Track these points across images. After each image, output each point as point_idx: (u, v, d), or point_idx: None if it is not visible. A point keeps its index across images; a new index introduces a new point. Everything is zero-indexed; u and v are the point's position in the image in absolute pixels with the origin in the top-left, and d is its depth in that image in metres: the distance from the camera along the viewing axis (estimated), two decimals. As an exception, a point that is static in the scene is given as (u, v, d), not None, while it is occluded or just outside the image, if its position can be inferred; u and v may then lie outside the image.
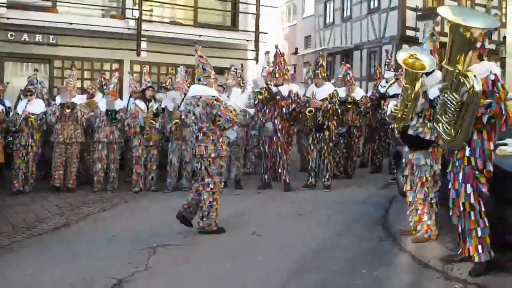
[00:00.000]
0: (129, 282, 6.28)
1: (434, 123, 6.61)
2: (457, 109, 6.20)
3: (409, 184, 7.98)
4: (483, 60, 6.49)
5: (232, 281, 6.46)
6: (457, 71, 6.12)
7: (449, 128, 6.30)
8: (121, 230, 8.73)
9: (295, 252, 7.47)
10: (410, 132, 7.71)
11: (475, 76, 6.03)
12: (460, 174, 6.34)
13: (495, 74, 6.24)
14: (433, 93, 6.83)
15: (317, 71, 12.18)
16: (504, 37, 21.15)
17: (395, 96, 10.46)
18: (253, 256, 7.39)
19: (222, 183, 8.68)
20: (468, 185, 6.27)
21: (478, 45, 6.38)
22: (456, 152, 6.43)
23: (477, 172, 6.25)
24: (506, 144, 7.41)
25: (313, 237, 8.27)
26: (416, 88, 7.40)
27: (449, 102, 6.26)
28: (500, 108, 6.05)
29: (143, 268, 6.81)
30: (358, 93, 13.66)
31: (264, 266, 6.93)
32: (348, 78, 13.61)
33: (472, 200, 6.24)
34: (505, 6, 23.58)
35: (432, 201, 7.72)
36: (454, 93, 6.21)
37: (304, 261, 7.14)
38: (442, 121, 6.38)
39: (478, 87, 5.98)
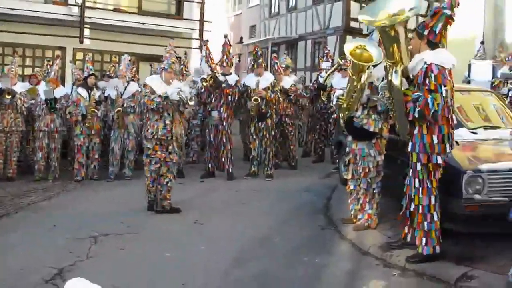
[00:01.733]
0: (70, 271, 6.22)
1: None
2: (391, 104, 6.32)
3: (350, 172, 8.08)
4: (436, 47, 6.22)
5: (173, 269, 6.46)
6: (388, 65, 6.19)
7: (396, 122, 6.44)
8: (63, 220, 8.61)
9: (237, 241, 7.52)
10: (355, 123, 7.79)
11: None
12: (410, 168, 6.44)
13: (429, 65, 6.06)
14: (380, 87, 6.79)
15: (259, 61, 12.20)
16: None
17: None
18: (195, 244, 7.40)
19: (149, 164, 8.98)
20: (416, 180, 6.35)
21: (426, 31, 6.18)
22: None
23: (421, 167, 6.31)
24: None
25: (256, 225, 8.34)
26: (362, 80, 7.49)
27: (386, 98, 6.37)
28: (426, 102, 5.97)
29: (84, 257, 6.78)
30: (287, 82, 13.66)
31: (206, 255, 6.97)
32: (276, 68, 13.66)
33: (421, 194, 6.33)
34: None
35: (374, 191, 7.85)
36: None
37: (246, 250, 7.20)
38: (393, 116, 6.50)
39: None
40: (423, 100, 5.97)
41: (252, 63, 12.61)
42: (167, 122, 8.83)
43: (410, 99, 6.08)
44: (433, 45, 6.20)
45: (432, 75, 6.02)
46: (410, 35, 6.49)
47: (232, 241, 7.51)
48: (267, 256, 6.98)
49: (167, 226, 8.32)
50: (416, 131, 6.26)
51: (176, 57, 9.67)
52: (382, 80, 6.96)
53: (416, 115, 6.06)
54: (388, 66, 6.20)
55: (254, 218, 8.81)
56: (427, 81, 6.03)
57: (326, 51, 15.38)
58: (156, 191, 9.08)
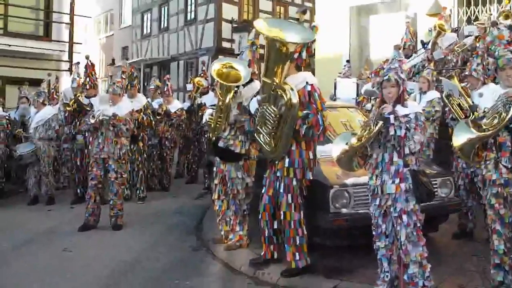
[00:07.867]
0: None
1: (255, 134, 6.70)
2: (276, 121, 6.36)
3: (217, 193, 8.03)
4: (301, 70, 6.63)
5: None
6: (274, 84, 6.27)
7: (269, 139, 6.45)
8: None
9: (107, 266, 7.35)
10: (221, 144, 7.73)
11: (292, 89, 6.22)
12: (282, 185, 6.52)
13: (311, 85, 6.42)
14: (253, 105, 6.79)
15: (134, 82, 12.05)
16: (314, 49, 22.03)
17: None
18: (63, 273, 7.14)
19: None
20: (289, 195, 6.47)
21: (296, 56, 6.51)
22: (277, 162, 6.59)
23: (296, 182, 6.48)
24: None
25: (127, 250, 8.18)
26: (227, 100, 7.47)
27: (267, 115, 6.38)
28: (316, 119, 6.27)
29: None
30: (175, 105, 13.62)
31: (74, 283, 6.76)
32: (165, 90, 13.60)
33: (293, 210, 6.47)
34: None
35: (245, 213, 7.87)
36: (272, 106, 6.36)
37: (116, 274, 7.06)
38: (262, 132, 6.51)
39: (294, 100, 6.18)
40: (313, 117, 6.26)
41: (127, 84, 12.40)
42: (100, 141, 9.22)
43: (300, 116, 6.25)
44: (299, 69, 6.61)
45: (316, 94, 6.40)
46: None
47: (101, 267, 7.31)
48: (138, 280, 6.86)
49: (34, 256, 7.96)
50: (294, 148, 6.45)
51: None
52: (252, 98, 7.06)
53: (303, 132, 6.30)
54: (273, 85, 6.30)
55: (125, 242, 8.63)
56: (312, 100, 6.34)
57: (202, 71, 15.52)
58: (97, 210, 9.50)
